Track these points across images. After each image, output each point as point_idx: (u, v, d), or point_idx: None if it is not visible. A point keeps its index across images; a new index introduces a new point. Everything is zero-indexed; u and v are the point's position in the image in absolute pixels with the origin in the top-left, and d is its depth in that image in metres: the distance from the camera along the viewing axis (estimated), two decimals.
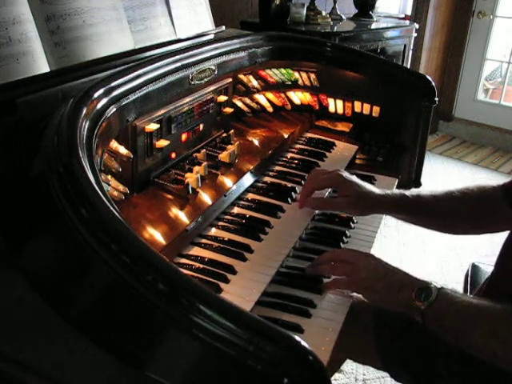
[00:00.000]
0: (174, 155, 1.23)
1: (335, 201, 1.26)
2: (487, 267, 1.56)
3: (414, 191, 1.26)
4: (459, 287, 1.55)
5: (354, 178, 1.25)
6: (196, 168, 1.17)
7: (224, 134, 1.41)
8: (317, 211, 1.31)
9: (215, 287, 0.95)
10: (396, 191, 1.27)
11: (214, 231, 1.13)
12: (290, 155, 1.53)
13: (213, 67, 1.30)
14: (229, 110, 1.45)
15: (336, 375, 2.07)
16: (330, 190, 1.34)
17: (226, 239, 1.10)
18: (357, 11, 3.43)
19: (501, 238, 1.18)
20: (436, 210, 1.25)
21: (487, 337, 0.91)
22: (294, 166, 1.47)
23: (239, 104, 1.54)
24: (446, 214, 1.25)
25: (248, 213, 1.21)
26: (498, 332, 0.90)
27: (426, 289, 0.96)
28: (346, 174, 1.24)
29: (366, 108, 1.67)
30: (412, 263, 2.82)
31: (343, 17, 3.22)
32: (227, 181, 1.23)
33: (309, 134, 1.68)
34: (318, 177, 1.28)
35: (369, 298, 1.05)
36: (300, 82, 1.68)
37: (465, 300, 0.94)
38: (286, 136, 1.54)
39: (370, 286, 1.03)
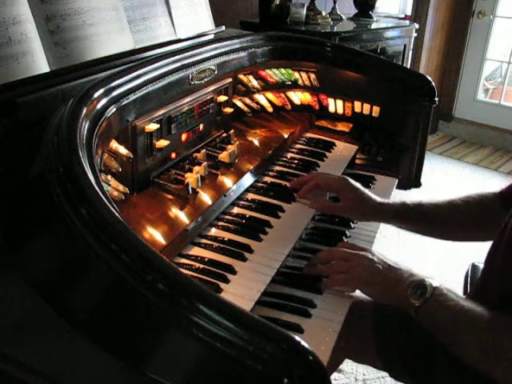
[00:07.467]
0: (174, 155, 1.23)
1: (336, 204, 1.26)
2: None
3: (414, 199, 1.26)
4: (459, 287, 1.55)
5: (358, 185, 1.26)
6: (196, 168, 1.17)
7: (224, 134, 1.41)
8: (318, 212, 1.31)
9: (215, 287, 0.95)
10: (397, 200, 1.27)
11: (213, 231, 1.13)
12: (289, 155, 1.53)
13: (213, 67, 1.30)
14: (229, 109, 1.45)
15: (336, 375, 2.07)
16: (327, 194, 1.32)
17: (225, 239, 1.10)
18: (357, 11, 3.43)
19: None
20: (437, 217, 1.24)
21: (473, 345, 0.90)
22: (294, 166, 1.47)
23: (239, 104, 1.54)
24: (446, 221, 1.25)
25: (248, 213, 1.21)
26: (485, 343, 0.89)
27: (422, 286, 0.96)
28: (350, 180, 1.25)
29: (366, 108, 1.67)
30: (412, 263, 2.81)
31: (343, 17, 3.21)
32: (227, 181, 1.23)
33: (309, 134, 1.68)
34: (323, 175, 1.28)
35: (367, 293, 1.06)
36: (300, 81, 1.68)
37: (457, 304, 0.93)
38: (285, 136, 1.54)
39: (366, 282, 1.04)
